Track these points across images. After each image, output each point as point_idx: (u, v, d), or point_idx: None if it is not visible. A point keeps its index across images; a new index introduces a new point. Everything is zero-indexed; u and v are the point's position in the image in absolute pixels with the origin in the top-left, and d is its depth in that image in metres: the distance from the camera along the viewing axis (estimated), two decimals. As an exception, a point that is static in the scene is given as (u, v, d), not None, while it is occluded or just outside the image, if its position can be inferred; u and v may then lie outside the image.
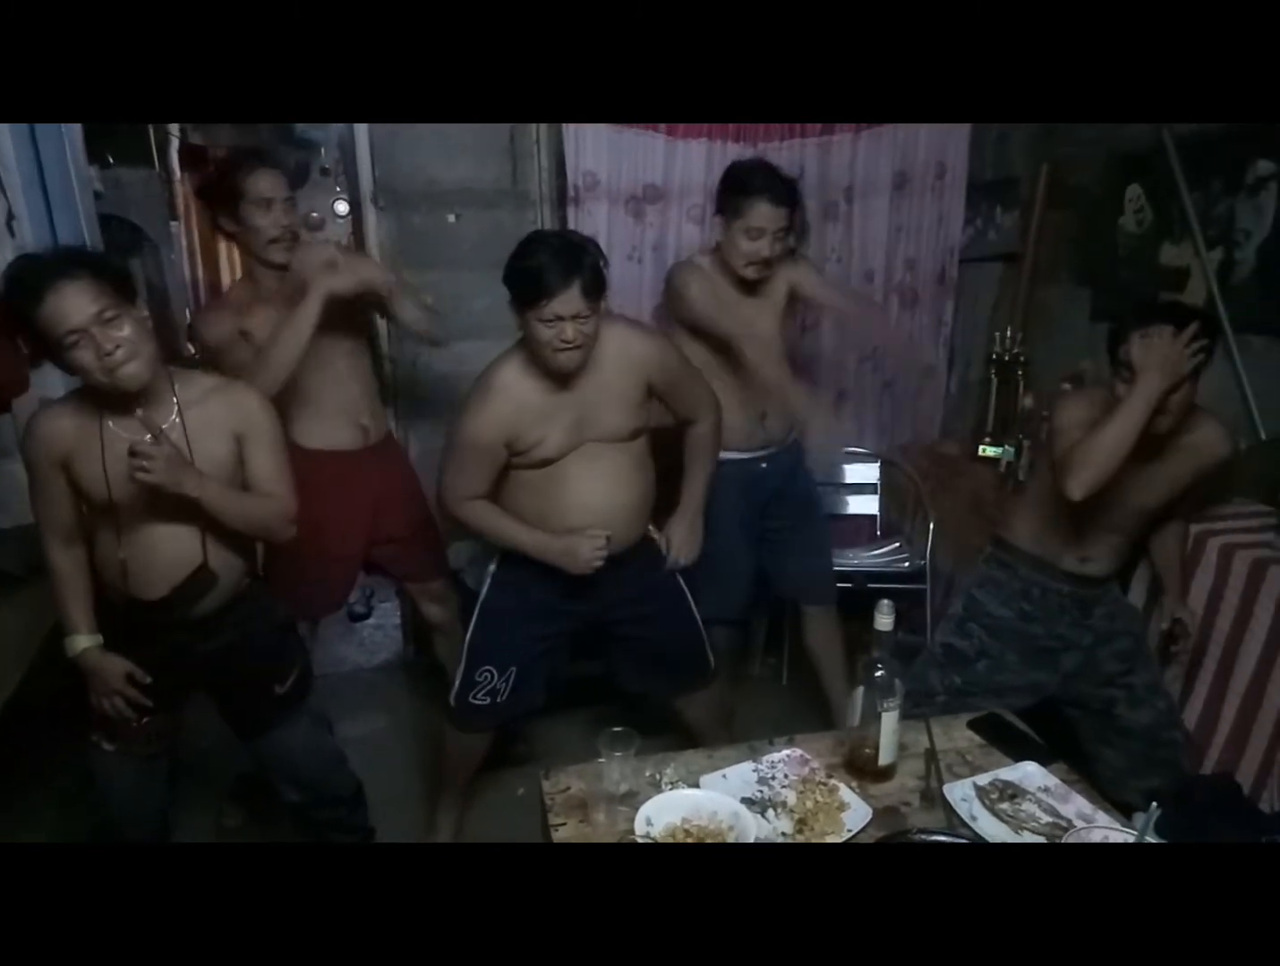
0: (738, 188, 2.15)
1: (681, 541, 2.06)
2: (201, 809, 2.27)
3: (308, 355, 1.97)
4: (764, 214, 2.10)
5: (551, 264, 1.67)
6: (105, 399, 1.53)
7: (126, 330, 1.47)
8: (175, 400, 1.59)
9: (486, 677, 1.97)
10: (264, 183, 1.99)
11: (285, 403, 2.03)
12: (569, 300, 1.68)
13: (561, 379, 1.80)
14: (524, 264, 1.70)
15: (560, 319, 1.69)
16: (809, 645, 2.54)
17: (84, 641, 1.66)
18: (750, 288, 2.24)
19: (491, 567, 2.01)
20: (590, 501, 1.87)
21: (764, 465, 2.36)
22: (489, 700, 1.99)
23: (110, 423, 1.55)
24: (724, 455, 2.19)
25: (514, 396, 1.81)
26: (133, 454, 1.47)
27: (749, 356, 2.15)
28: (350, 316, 2.13)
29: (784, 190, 2.13)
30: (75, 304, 1.42)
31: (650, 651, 2.08)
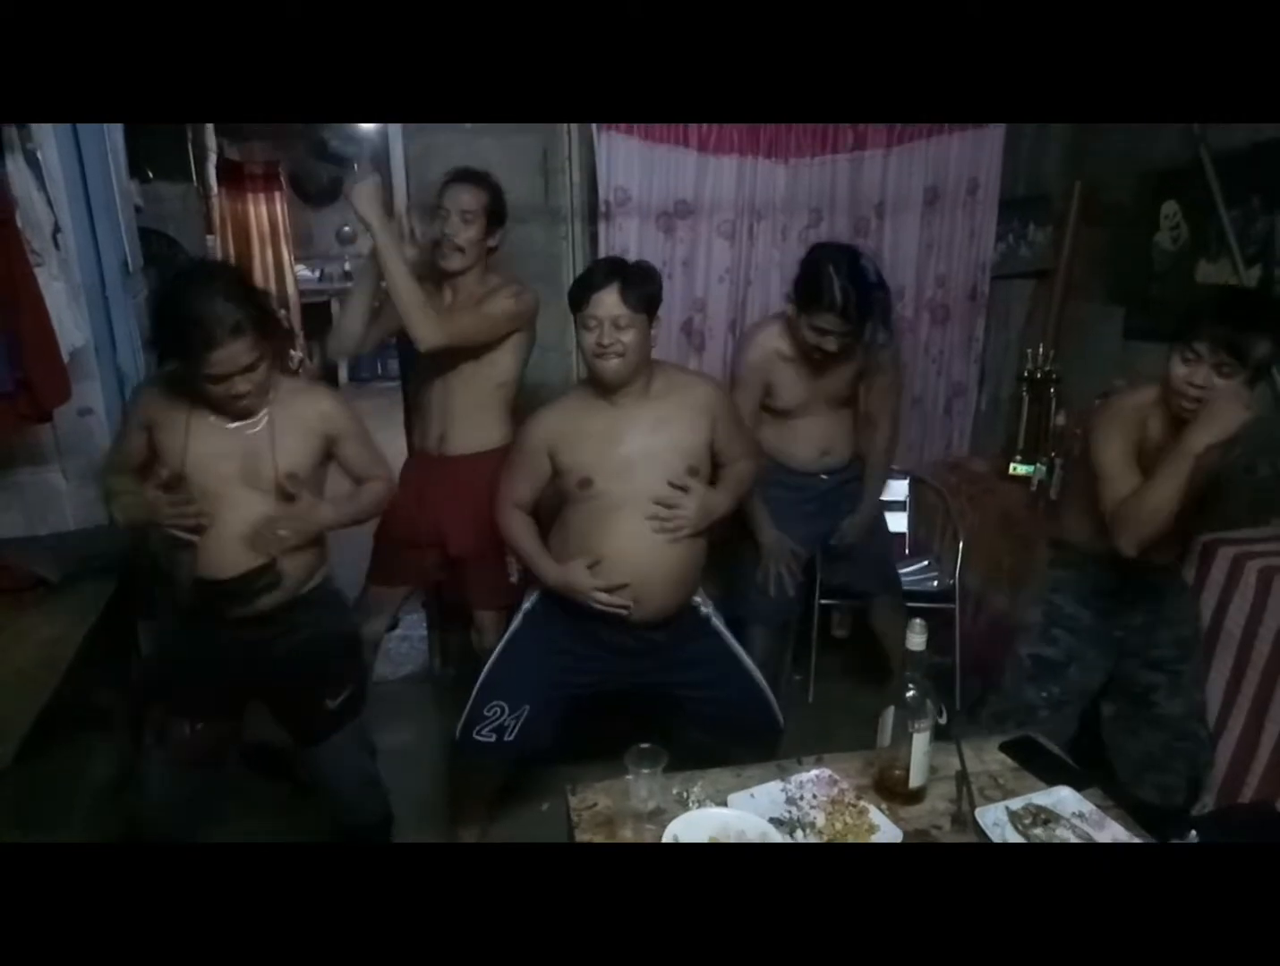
0: (813, 289, 2.11)
1: (688, 508, 1.86)
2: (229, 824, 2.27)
3: (436, 357, 2.12)
4: (831, 321, 2.13)
5: (597, 268, 1.80)
6: (200, 397, 1.62)
7: (260, 374, 1.58)
8: (266, 407, 1.68)
9: (496, 712, 1.90)
10: (462, 196, 2.10)
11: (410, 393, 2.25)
12: (606, 302, 1.73)
13: (617, 399, 1.82)
14: (580, 274, 1.83)
15: (599, 322, 1.73)
16: (874, 625, 2.68)
17: None
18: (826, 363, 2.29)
19: (526, 604, 1.99)
20: (634, 549, 1.83)
21: (824, 477, 2.50)
22: (494, 738, 1.91)
23: (198, 411, 1.65)
24: (788, 466, 2.44)
25: (569, 407, 1.87)
26: (265, 526, 1.63)
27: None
28: (491, 344, 2.20)
29: (854, 300, 2.07)
30: (233, 358, 1.52)
31: (714, 714, 2.03)
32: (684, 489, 1.85)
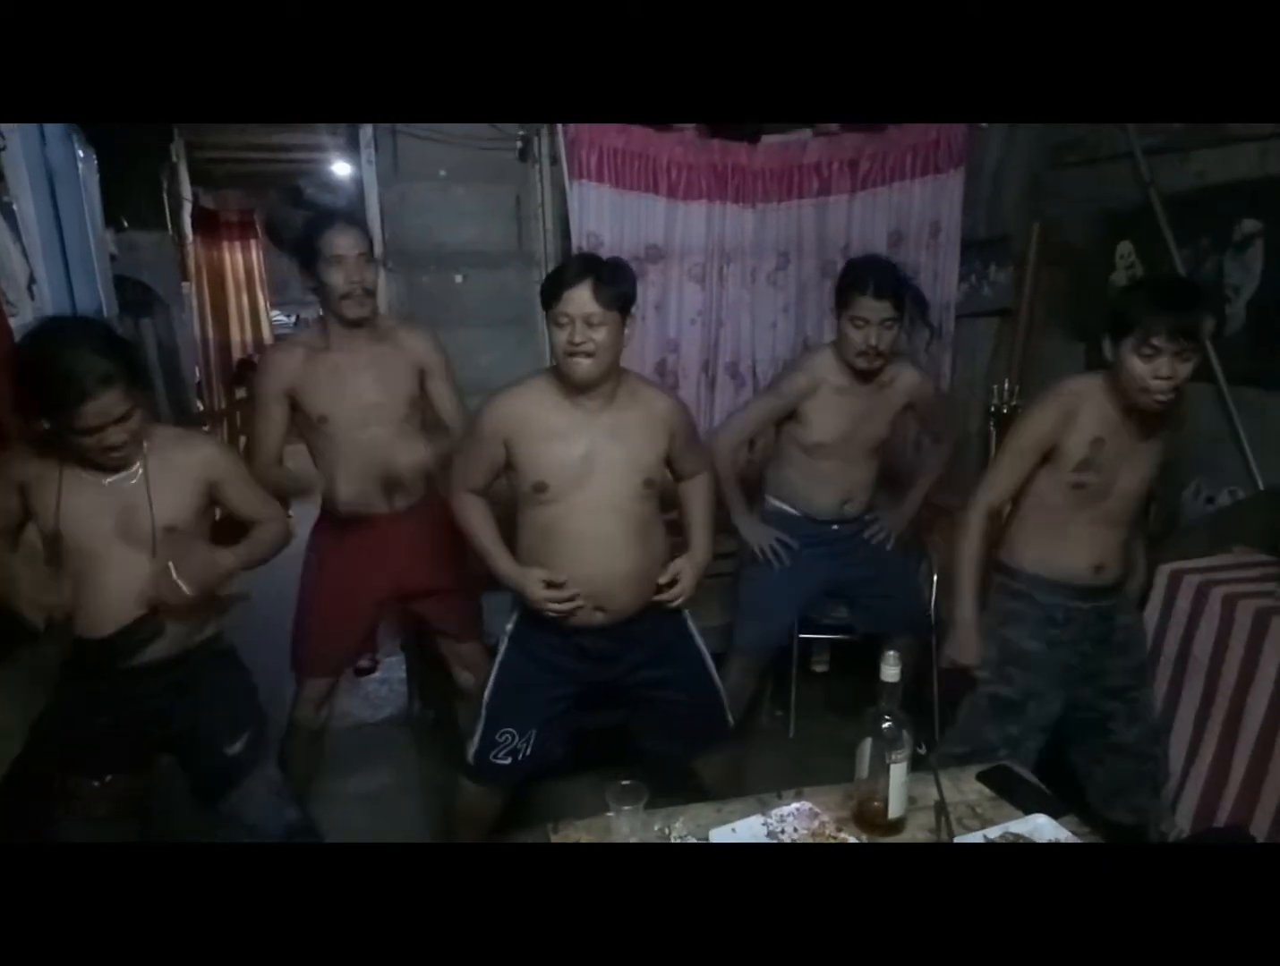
0: (846, 282, 2.26)
1: (686, 585, 1.97)
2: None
3: (349, 417, 2.09)
4: (866, 305, 2.19)
5: (570, 264, 1.79)
6: (72, 452, 1.58)
7: (133, 424, 1.55)
8: (140, 458, 1.64)
9: (508, 738, 1.92)
10: (337, 240, 2.05)
11: (322, 456, 2.15)
12: (579, 299, 1.70)
13: (581, 401, 1.80)
14: (553, 270, 1.82)
15: (571, 320, 1.71)
16: (866, 688, 2.61)
17: None
18: (866, 380, 2.33)
19: (509, 626, 1.98)
20: (592, 558, 1.83)
21: (835, 527, 2.49)
22: (510, 760, 1.94)
23: (70, 467, 1.60)
24: (801, 514, 2.46)
25: (529, 398, 1.83)
26: (163, 576, 1.59)
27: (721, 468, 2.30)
28: (401, 395, 2.17)
29: (886, 283, 2.20)
30: (105, 410, 1.49)
31: (670, 714, 2.03)
32: (672, 582, 1.92)
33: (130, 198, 4.29)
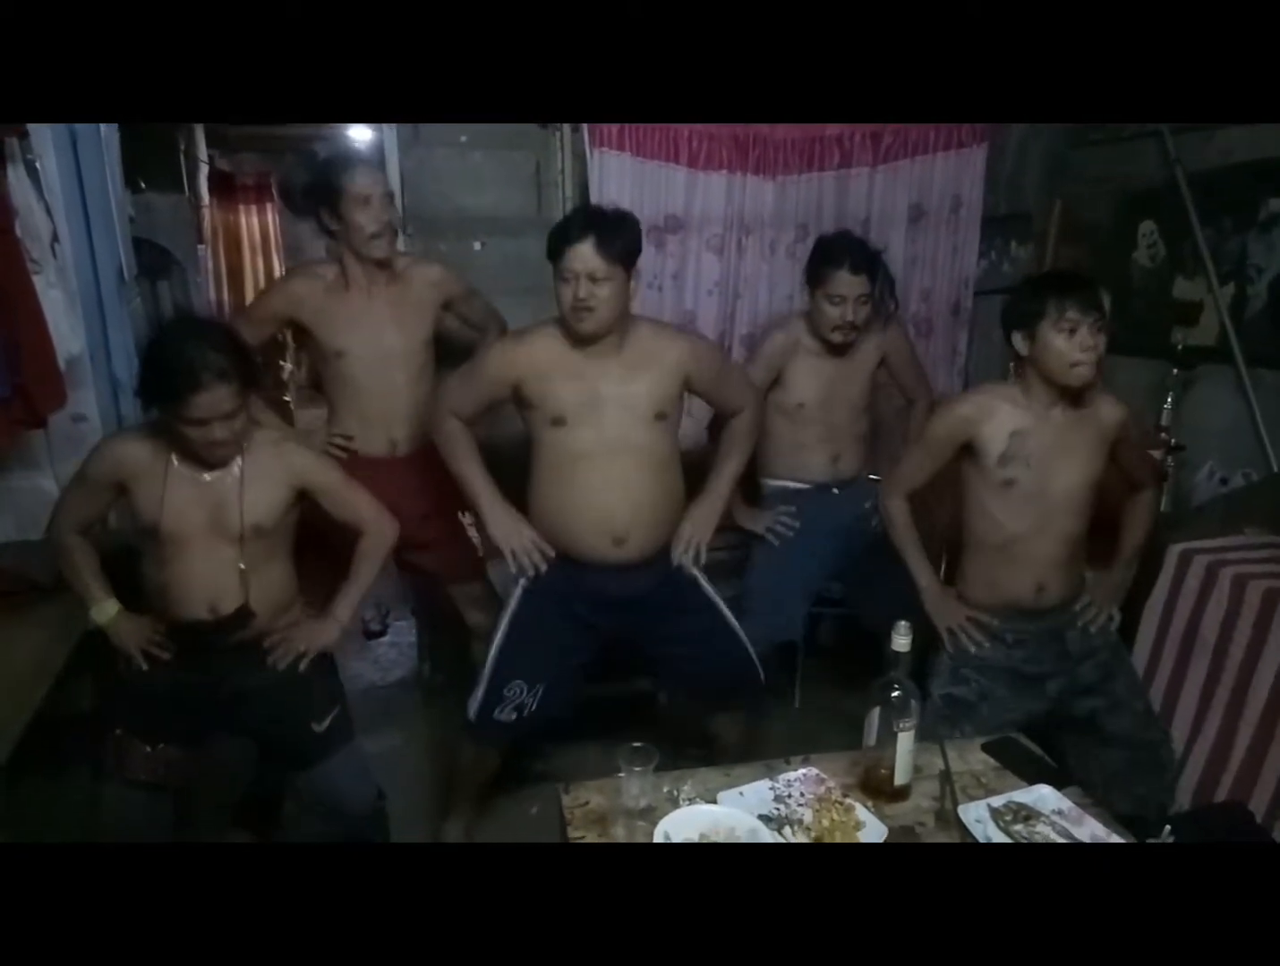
0: (821, 258, 2.28)
1: (696, 527, 1.98)
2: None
3: (368, 354, 2.10)
4: (843, 281, 2.22)
5: (573, 219, 1.78)
6: (178, 441, 1.65)
7: (238, 423, 1.63)
8: (240, 456, 1.71)
9: (516, 692, 1.93)
10: (362, 180, 2.05)
11: (331, 390, 2.18)
12: (583, 254, 1.71)
13: (589, 350, 1.81)
14: (557, 224, 1.80)
15: (575, 276, 1.71)
16: (872, 661, 2.58)
17: (110, 607, 1.78)
18: (839, 351, 2.35)
19: (523, 579, 1.97)
20: (608, 499, 1.84)
21: (836, 491, 2.49)
22: (515, 715, 1.94)
23: (175, 460, 1.68)
24: (799, 484, 2.45)
25: (537, 345, 1.84)
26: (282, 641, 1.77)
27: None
28: (419, 334, 2.20)
29: (862, 259, 2.24)
30: (216, 403, 1.57)
31: (695, 670, 2.04)
32: (686, 550, 1.96)
33: (147, 159, 4.28)
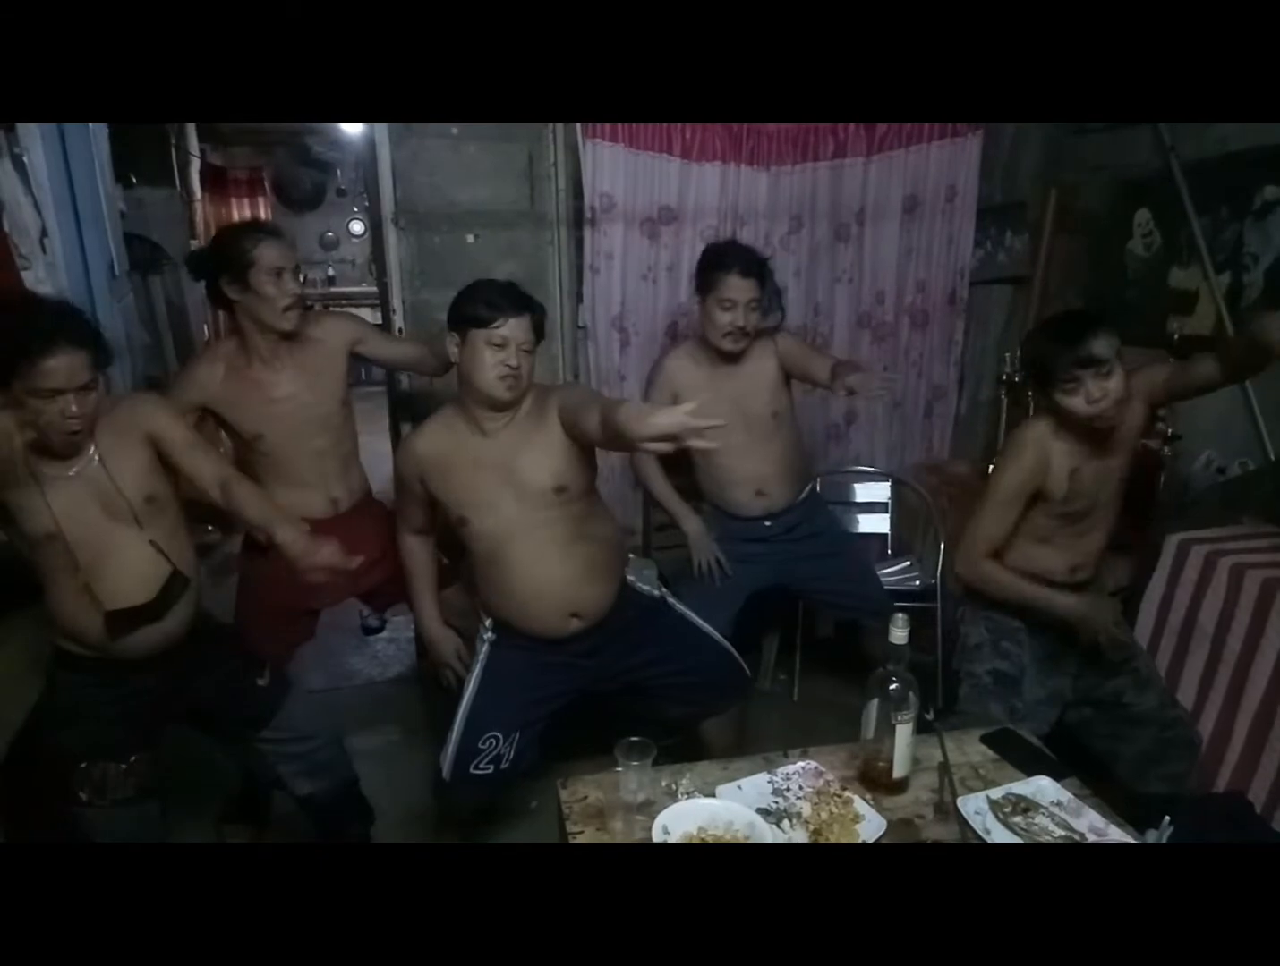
0: (710, 265, 2.31)
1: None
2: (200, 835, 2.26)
3: (287, 430, 2.06)
4: (734, 285, 2.24)
5: (509, 292, 1.81)
6: (28, 434, 1.56)
7: (92, 402, 1.55)
8: (92, 443, 1.62)
9: (491, 744, 1.89)
10: (275, 252, 1.99)
11: (257, 469, 2.08)
12: (521, 327, 1.79)
13: (485, 425, 1.83)
14: (489, 292, 1.82)
15: (507, 343, 1.76)
16: (869, 653, 2.60)
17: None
18: (737, 363, 2.35)
19: (488, 634, 1.97)
20: (533, 576, 1.84)
21: (767, 523, 2.47)
22: (492, 768, 1.90)
23: (36, 463, 1.58)
24: (730, 517, 2.46)
25: (436, 436, 1.88)
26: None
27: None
28: (336, 393, 2.15)
29: (751, 263, 2.27)
30: (70, 372, 1.49)
31: (682, 683, 2.05)
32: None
33: (139, 153, 4.26)
